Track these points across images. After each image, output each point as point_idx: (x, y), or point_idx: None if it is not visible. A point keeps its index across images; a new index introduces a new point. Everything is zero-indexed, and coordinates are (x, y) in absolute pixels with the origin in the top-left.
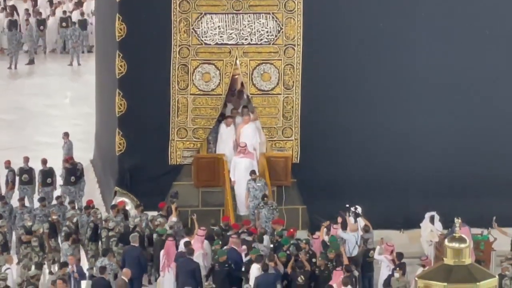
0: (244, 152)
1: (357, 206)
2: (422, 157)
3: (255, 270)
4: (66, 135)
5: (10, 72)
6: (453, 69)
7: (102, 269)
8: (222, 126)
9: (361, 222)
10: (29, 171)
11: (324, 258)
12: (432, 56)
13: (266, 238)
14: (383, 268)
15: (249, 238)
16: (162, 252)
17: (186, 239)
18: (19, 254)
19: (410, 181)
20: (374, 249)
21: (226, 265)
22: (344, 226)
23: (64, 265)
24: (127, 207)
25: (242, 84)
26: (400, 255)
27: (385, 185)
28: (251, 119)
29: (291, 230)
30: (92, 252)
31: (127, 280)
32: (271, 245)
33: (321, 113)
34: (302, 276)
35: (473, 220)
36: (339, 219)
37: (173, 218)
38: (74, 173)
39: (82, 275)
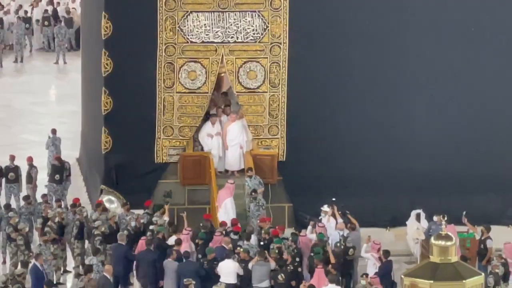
0: (231, 190)
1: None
2: (409, 155)
3: (231, 265)
4: (53, 131)
5: None
6: (441, 65)
7: (89, 267)
8: (208, 124)
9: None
10: (15, 169)
11: (320, 258)
12: (417, 53)
13: (253, 236)
14: (370, 266)
15: (235, 237)
16: (136, 250)
17: (174, 237)
18: (9, 252)
19: (397, 179)
20: (353, 247)
21: (215, 262)
22: (334, 216)
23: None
24: (112, 205)
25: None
26: (386, 253)
27: (372, 183)
28: (237, 117)
29: (276, 229)
30: (78, 250)
31: (109, 277)
32: (261, 243)
33: (307, 111)
34: (282, 275)
35: (460, 218)
36: (329, 210)
37: (165, 218)
38: (60, 171)
39: (39, 276)
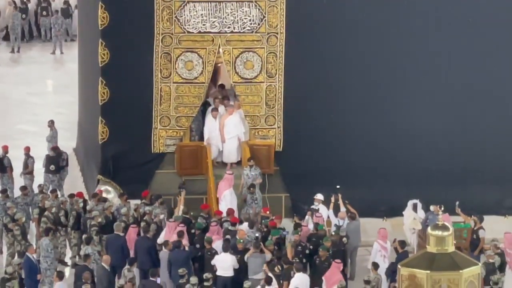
0: (230, 181)
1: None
2: (406, 145)
3: (228, 258)
4: (51, 123)
5: None
6: (441, 57)
7: (86, 256)
8: (210, 119)
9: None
10: (1, 159)
11: (325, 249)
12: (417, 44)
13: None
14: (377, 256)
15: (232, 228)
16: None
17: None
18: (6, 242)
19: (393, 168)
20: (347, 236)
21: (209, 253)
22: (336, 208)
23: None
24: (109, 196)
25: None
26: (402, 243)
27: (368, 173)
28: (235, 109)
29: (273, 219)
30: (75, 240)
31: (107, 267)
32: (257, 235)
33: (303, 101)
34: (279, 266)
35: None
36: (332, 199)
37: (181, 207)
38: (56, 161)
39: (32, 268)
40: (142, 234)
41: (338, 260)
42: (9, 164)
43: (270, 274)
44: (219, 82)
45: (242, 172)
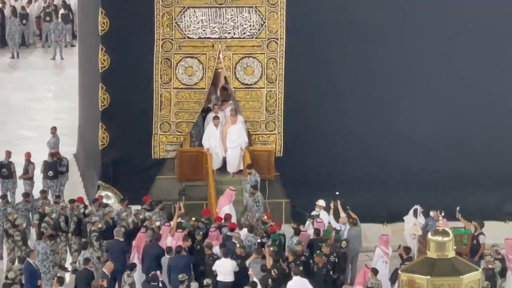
0: (230, 197)
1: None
2: (406, 151)
3: (228, 264)
4: (54, 129)
5: None
6: (438, 61)
7: (86, 260)
8: (211, 126)
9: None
10: (8, 165)
11: (322, 255)
12: (415, 49)
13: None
14: (379, 261)
15: (231, 234)
16: (133, 243)
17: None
18: (6, 248)
19: (393, 174)
20: (346, 240)
21: (211, 258)
22: (335, 214)
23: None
24: (109, 201)
25: (225, 78)
26: (407, 249)
27: (368, 179)
28: (237, 119)
29: (273, 225)
30: (76, 246)
31: (108, 274)
32: (259, 240)
33: (304, 107)
34: (275, 270)
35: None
36: (332, 205)
37: (179, 212)
38: (53, 167)
39: (33, 273)
40: (152, 240)
41: (369, 265)
42: (14, 169)
43: (255, 279)
44: (220, 87)
45: (243, 185)
